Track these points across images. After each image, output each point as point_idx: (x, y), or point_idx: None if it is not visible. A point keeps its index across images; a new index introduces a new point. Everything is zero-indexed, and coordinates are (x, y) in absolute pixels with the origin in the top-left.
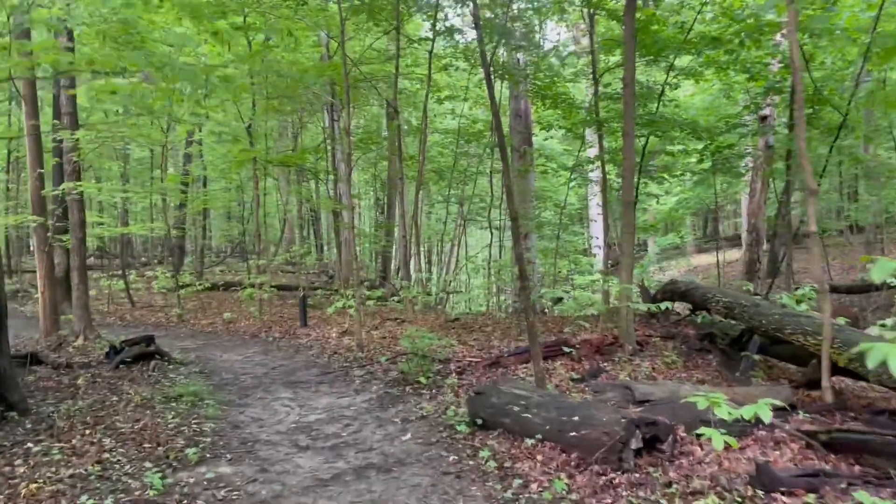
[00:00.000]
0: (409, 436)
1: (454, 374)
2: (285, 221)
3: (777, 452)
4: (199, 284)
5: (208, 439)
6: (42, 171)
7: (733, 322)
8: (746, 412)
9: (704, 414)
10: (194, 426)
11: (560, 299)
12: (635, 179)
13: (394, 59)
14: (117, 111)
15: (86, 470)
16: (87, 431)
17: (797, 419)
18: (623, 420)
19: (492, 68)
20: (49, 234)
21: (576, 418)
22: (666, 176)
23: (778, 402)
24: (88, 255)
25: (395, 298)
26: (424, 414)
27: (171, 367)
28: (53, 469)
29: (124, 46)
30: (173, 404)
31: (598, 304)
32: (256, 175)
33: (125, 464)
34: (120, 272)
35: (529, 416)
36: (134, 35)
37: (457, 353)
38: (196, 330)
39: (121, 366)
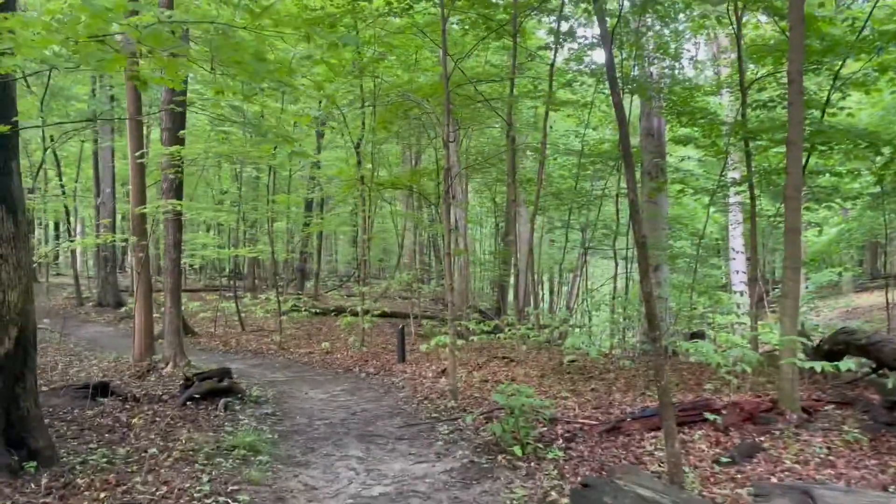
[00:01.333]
0: None
1: (561, 441)
2: (402, 247)
3: None
4: (308, 310)
5: None
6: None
7: None
8: None
9: None
10: (226, 498)
11: (701, 334)
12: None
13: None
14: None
15: None
16: (102, 496)
17: None
18: None
19: (621, 82)
20: (141, 254)
21: None
22: (838, 200)
23: None
24: (219, 277)
25: (502, 335)
26: (515, 502)
27: (243, 406)
28: None
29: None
30: (219, 460)
31: (748, 354)
32: (364, 197)
33: None
34: (246, 293)
35: None
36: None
37: (567, 411)
38: (292, 360)
39: (189, 403)
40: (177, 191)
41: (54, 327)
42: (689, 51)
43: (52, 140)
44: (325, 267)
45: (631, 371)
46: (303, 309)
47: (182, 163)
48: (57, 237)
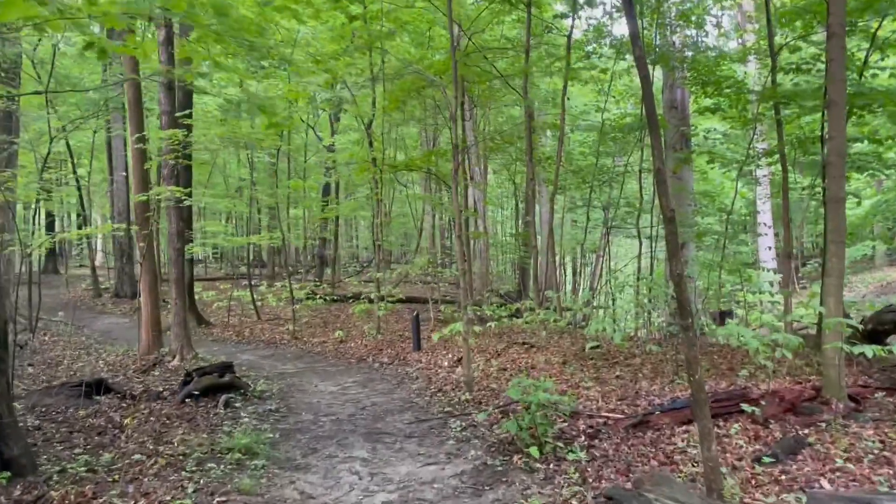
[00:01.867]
0: None
1: (583, 439)
2: (421, 230)
3: None
4: (324, 297)
5: None
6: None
7: None
8: None
9: None
10: None
11: (729, 313)
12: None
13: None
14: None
15: None
16: None
17: None
18: None
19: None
20: (142, 244)
21: None
22: (879, 168)
23: None
24: (240, 265)
25: (521, 320)
26: None
27: (245, 402)
28: None
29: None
30: (211, 465)
31: (789, 338)
32: (376, 180)
33: None
34: (262, 281)
35: None
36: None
37: (589, 403)
38: (305, 349)
39: (188, 400)
40: (178, 177)
41: (68, 320)
42: (713, 18)
43: (63, 129)
44: (347, 252)
45: (658, 356)
46: (318, 296)
47: (180, 147)
48: (80, 228)
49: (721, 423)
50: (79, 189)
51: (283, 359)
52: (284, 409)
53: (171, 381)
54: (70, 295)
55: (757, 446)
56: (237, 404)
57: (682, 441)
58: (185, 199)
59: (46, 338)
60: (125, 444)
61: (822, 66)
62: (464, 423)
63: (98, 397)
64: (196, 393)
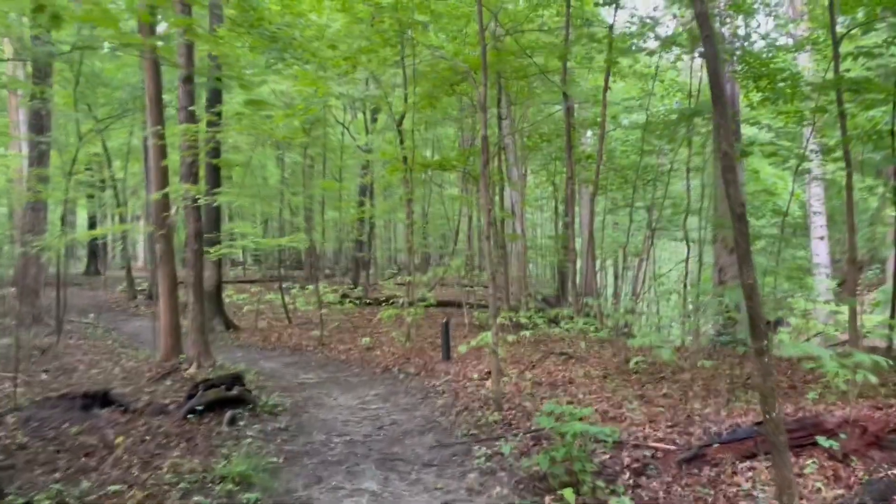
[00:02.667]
0: None
1: (627, 476)
2: (458, 232)
3: None
4: (353, 301)
5: None
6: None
7: None
8: None
9: None
10: None
11: (780, 321)
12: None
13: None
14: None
15: None
16: None
17: None
18: None
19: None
20: (159, 245)
21: None
22: None
23: None
24: (278, 268)
25: (557, 329)
26: None
27: (253, 419)
28: None
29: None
30: (198, 497)
31: (869, 360)
32: (407, 179)
33: None
34: (295, 284)
35: None
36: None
37: (635, 428)
38: (330, 357)
39: (191, 416)
40: (196, 175)
41: (97, 322)
42: (766, 6)
43: (94, 130)
44: (384, 255)
45: (709, 371)
46: (347, 301)
47: (198, 143)
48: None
49: (792, 459)
50: (115, 190)
51: (307, 367)
52: (294, 428)
53: (181, 392)
54: (107, 296)
55: (838, 490)
56: (243, 421)
57: (747, 481)
58: (199, 199)
59: (72, 341)
60: (110, 468)
61: (894, 53)
62: (490, 451)
63: (98, 411)
64: (200, 408)
